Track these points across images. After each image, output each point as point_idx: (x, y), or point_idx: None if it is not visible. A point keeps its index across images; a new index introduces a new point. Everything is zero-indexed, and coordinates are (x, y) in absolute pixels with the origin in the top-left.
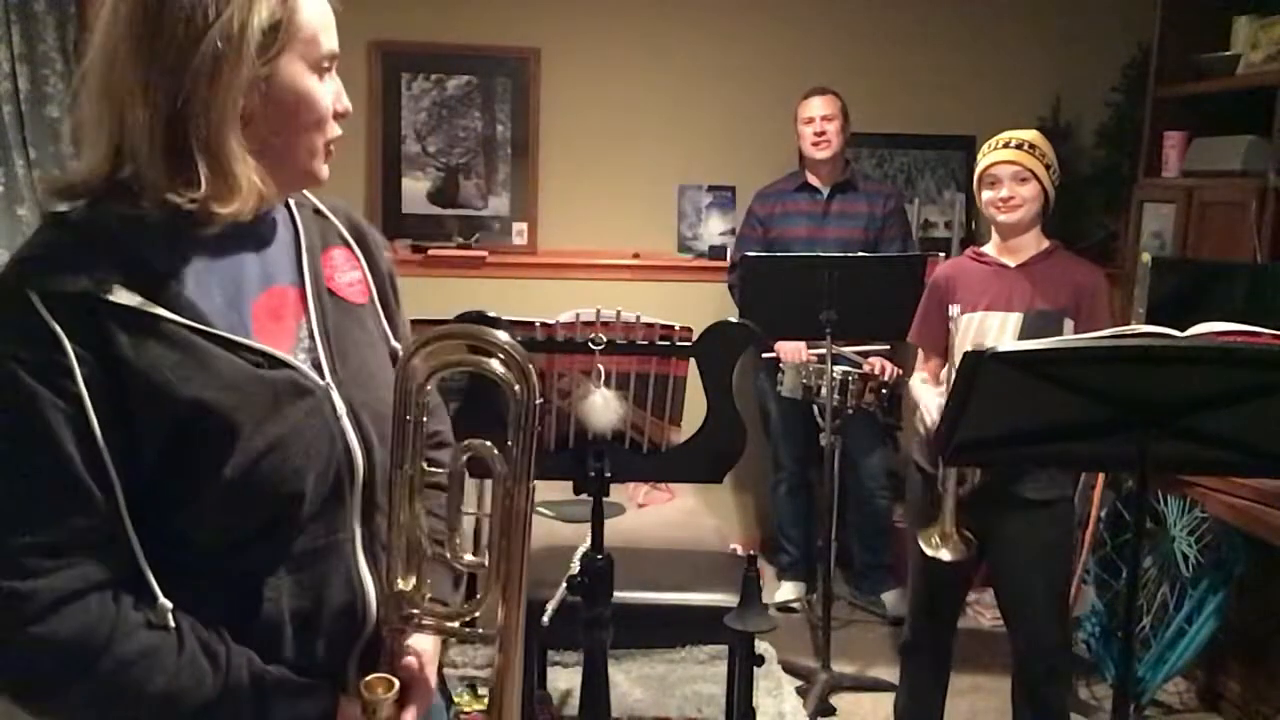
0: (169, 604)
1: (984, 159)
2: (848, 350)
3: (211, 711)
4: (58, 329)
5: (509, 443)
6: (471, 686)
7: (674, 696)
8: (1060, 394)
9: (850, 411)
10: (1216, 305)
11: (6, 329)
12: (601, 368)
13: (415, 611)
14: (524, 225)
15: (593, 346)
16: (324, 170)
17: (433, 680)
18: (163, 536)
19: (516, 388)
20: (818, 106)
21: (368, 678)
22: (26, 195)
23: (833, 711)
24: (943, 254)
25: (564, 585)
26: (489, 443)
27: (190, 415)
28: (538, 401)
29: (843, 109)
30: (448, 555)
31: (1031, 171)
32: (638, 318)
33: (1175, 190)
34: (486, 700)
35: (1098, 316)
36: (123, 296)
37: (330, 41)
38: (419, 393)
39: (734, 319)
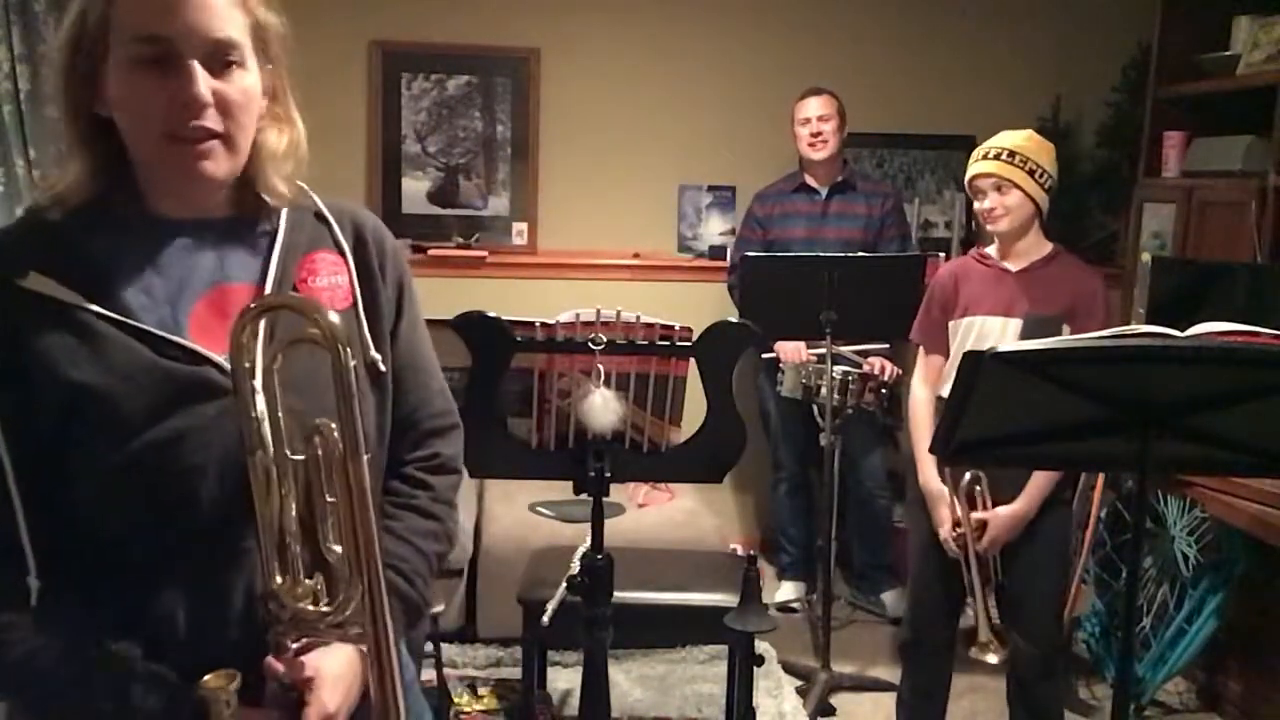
0: (36, 583)
1: (968, 171)
2: (847, 350)
3: (68, 693)
4: None
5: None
6: (471, 686)
7: (674, 696)
8: (1060, 394)
9: (850, 411)
10: (1216, 305)
11: None
12: (601, 368)
13: (289, 610)
14: (524, 225)
15: (593, 346)
16: (185, 163)
17: (330, 701)
18: (56, 519)
19: (334, 358)
20: (814, 107)
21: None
22: (26, 195)
23: (833, 711)
24: (943, 254)
25: (564, 585)
26: (332, 424)
27: (73, 397)
28: (352, 363)
29: (839, 109)
30: (323, 548)
31: (1011, 180)
32: (638, 318)
33: (1175, 190)
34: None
35: (1092, 321)
36: (34, 282)
37: (151, 23)
38: (267, 374)
39: (734, 319)
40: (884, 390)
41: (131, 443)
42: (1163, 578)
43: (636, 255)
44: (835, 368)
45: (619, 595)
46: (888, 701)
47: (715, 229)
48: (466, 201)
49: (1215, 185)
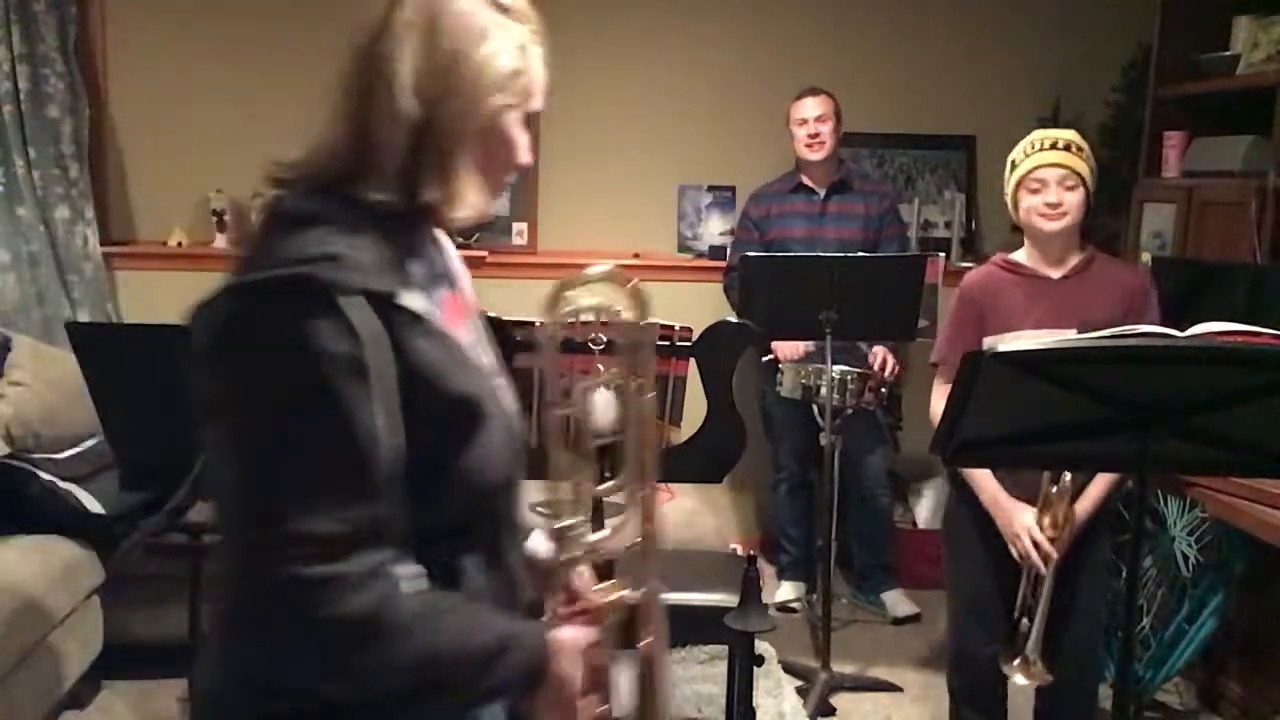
0: (422, 568)
1: (1026, 161)
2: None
3: (488, 652)
4: (356, 326)
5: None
6: None
7: (674, 696)
8: (1060, 394)
9: (850, 411)
10: (1216, 305)
11: (311, 326)
12: (602, 368)
13: (574, 543)
14: (524, 225)
15: (593, 347)
16: (497, 194)
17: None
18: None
19: (631, 314)
20: (810, 107)
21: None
22: (26, 195)
23: (833, 711)
24: (942, 254)
25: None
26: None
27: (454, 408)
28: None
29: (835, 109)
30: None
31: (1080, 177)
32: None
33: (1175, 190)
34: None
35: (1150, 319)
36: (405, 299)
37: (539, 103)
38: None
39: (733, 319)
40: (884, 389)
41: (487, 443)
42: (1163, 578)
43: (636, 255)
44: (835, 367)
45: None
46: (888, 701)
47: (715, 229)
48: None
49: (1215, 185)
